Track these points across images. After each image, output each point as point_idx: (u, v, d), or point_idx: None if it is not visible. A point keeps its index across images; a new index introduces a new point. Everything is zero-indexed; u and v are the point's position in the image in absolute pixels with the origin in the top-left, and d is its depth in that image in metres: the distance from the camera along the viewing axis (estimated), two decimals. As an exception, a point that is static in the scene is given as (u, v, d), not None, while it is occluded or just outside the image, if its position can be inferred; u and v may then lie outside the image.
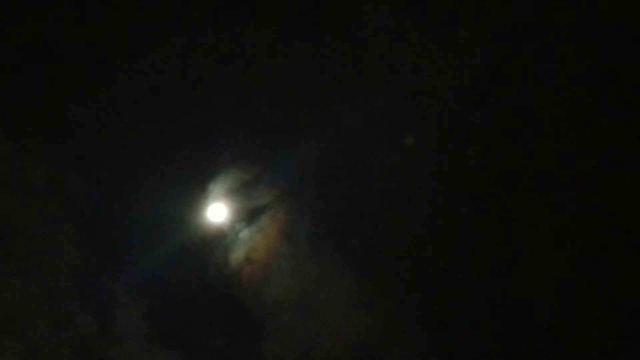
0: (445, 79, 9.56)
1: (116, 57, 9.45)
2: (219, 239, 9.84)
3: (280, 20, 9.56)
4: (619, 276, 9.36)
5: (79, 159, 9.57)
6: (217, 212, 9.83)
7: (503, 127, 9.53)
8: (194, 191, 9.70)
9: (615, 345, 9.33)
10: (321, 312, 9.73)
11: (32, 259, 9.27)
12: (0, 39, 9.20)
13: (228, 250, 9.82)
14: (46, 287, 9.22)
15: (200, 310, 9.69)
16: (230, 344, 9.64)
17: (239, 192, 9.78)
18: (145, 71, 9.52)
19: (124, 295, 9.47)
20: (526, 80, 9.51)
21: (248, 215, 9.86)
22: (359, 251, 9.82)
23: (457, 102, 9.56)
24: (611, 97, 9.42)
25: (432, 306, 9.63)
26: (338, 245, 9.79)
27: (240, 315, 9.74)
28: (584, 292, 9.33)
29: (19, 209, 9.30)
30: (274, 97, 9.72)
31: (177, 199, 9.66)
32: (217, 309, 9.76)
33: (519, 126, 9.56)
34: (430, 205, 9.75)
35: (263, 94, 9.70)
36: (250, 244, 9.83)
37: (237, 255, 9.82)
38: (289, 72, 9.63)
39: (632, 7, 9.25)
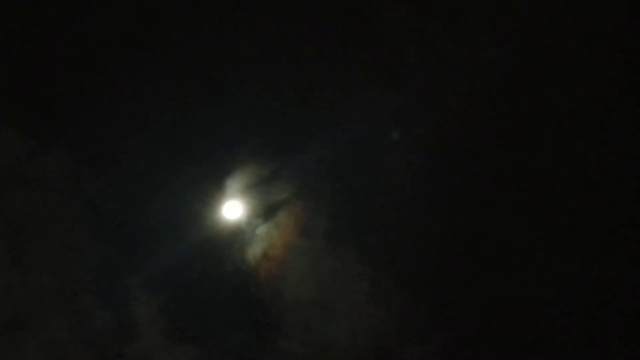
0: (460, 77, 9.59)
1: (132, 54, 9.55)
2: (235, 235, 9.84)
3: (300, 16, 9.64)
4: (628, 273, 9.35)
5: (96, 156, 9.67)
6: (234, 208, 9.84)
7: (519, 125, 9.54)
8: (211, 187, 9.73)
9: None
10: (338, 309, 9.67)
11: (49, 254, 9.36)
12: (18, 40, 9.41)
13: (245, 246, 9.81)
14: (63, 282, 9.30)
15: (216, 306, 9.69)
16: (246, 340, 9.62)
17: (257, 188, 9.79)
18: (161, 67, 9.62)
19: (140, 291, 9.48)
20: (540, 78, 9.52)
21: (265, 212, 9.87)
22: (376, 248, 9.77)
23: (472, 99, 9.55)
24: (626, 97, 9.39)
25: (450, 303, 9.57)
26: (355, 242, 9.74)
27: (257, 312, 9.72)
28: (604, 292, 9.27)
29: (37, 205, 9.42)
30: (291, 93, 9.77)
31: (194, 195, 9.69)
32: (233, 305, 9.74)
33: (533, 124, 9.56)
34: (448, 202, 9.73)
35: (281, 90, 9.76)
36: (267, 240, 9.82)
37: (253, 251, 9.81)
38: (308, 69, 9.67)
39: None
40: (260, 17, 9.62)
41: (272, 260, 9.79)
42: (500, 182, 9.51)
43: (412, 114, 9.68)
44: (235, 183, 9.74)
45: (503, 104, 9.50)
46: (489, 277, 9.50)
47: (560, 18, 9.33)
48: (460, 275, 9.59)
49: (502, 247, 9.54)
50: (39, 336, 9.04)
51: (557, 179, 9.51)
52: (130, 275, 9.54)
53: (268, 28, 9.61)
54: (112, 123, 9.63)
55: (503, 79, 9.45)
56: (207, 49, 9.57)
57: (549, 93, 9.50)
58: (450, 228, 9.67)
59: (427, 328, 9.53)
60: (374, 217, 9.82)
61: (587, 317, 9.26)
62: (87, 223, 9.54)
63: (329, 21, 9.65)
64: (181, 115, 9.73)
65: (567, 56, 9.37)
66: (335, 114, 9.67)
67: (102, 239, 9.53)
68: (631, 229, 9.34)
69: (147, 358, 9.31)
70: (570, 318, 9.32)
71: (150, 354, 9.33)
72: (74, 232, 9.48)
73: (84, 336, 9.18)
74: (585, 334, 9.21)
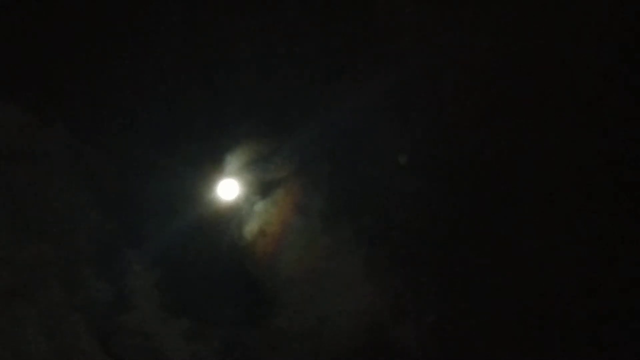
0: (457, 61, 9.56)
1: (132, 32, 9.56)
2: (233, 212, 9.89)
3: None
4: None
5: (95, 132, 9.71)
6: (232, 185, 9.91)
7: (514, 112, 9.55)
8: (210, 164, 9.80)
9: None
10: (332, 287, 9.73)
11: (49, 226, 9.41)
12: (18, 14, 9.37)
13: (242, 222, 9.87)
14: (62, 254, 9.35)
15: (212, 281, 9.73)
16: (241, 315, 9.69)
17: (255, 165, 9.83)
18: (160, 45, 9.63)
19: (137, 264, 9.54)
20: (537, 68, 9.49)
21: (263, 189, 9.93)
22: (372, 228, 9.84)
23: (469, 83, 9.56)
24: (621, 90, 9.37)
25: (443, 283, 9.62)
26: (351, 221, 9.80)
27: (252, 288, 9.80)
28: (591, 274, 9.31)
29: (38, 178, 9.47)
30: (290, 72, 9.76)
31: (194, 171, 9.75)
32: (229, 281, 9.79)
33: (529, 113, 9.56)
34: (445, 183, 9.74)
35: (280, 69, 9.75)
36: (264, 218, 9.86)
37: (250, 228, 9.86)
38: (308, 48, 9.66)
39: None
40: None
41: (269, 237, 9.84)
42: (496, 165, 9.52)
43: (410, 97, 9.69)
44: (234, 160, 9.79)
45: (498, 89, 9.51)
46: (483, 258, 9.53)
47: (558, 7, 9.34)
48: (454, 255, 9.63)
49: (497, 229, 9.57)
50: (37, 306, 9.09)
51: (551, 167, 9.56)
52: (128, 249, 9.60)
53: (267, 8, 9.62)
54: (111, 99, 9.67)
55: (499, 67, 9.44)
56: (205, 27, 9.59)
57: (546, 83, 9.51)
58: (446, 208, 9.70)
59: (420, 307, 9.61)
60: (370, 197, 9.86)
61: (581, 296, 9.28)
62: (86, 197, 9.58)
63: (328, 3, 9.66)
64: (180, 93, 9.75)
65: (564, 47, 9.37)
66: (334, 95, 9.68)
67: (101, 213, 9.59)
68: (630, 223, 9.39)
69: (143, 330, 9.37)
70: (563, 299, 9.35)
71: (146, 326, 9.39)
72: (73, 206, 9.53)
73: (81, 307, 9.24)
74: (577, 313, 9.25)
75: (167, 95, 9.75)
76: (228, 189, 9.88)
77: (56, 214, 9.47)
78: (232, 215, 9.88)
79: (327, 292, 9.73)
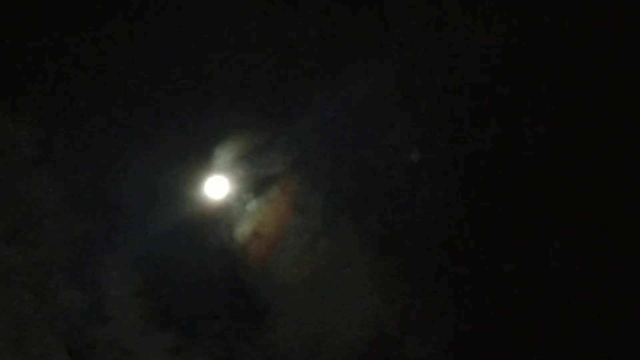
0: (461, 49, 9.46)
1: (114, 19, 9.27)
2: (222, 212, 9.70)
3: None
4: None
5: (67, 124, 9.35)
6: (222, 181, 9.70)
7: (529, 97, 9.47)
8: (197, 158, 9.55)
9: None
10: (335, 296, 9.52)
11: (15, 227, 8.98)
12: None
13: (233, 223, 9.68)
14: (30, 259, 8.95)
15: (199, 290, 9.47)
16: (232, 328, 9.42)
17: (248, 159, 9.63)
18: (141, 27, 9.32)
19: (115, 270, 9.23)
20: (545, 56, 9.41)
21: (256, 186, 9.74)
22: (377, 229, 9.63)
23: (473, 72, 9.43)
24: (627, 88, 9.22)
25: (455, 294, 9.42)
26: (355, 222, 9.59)
27: (244, 297, 9.56)
28: (609, 291, 9.09)
29: (3, 175, 9.04)
30: (287, 56, 9.54)
31: (178, 166, 9.49)
32: (218, 289, 9.54)
33: (541, 98, 9.50)
34: (457, 183, 9.59)
35: (275, 53, 9.53)
36: (257, 218, 9.68)
37: (242, 229, 9.65)
38: (308, 33, 9.51)
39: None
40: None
41: (263, 240, 9.63)
42: (513, 162, 9.39)
43: (419, 86, 9.55)
44: (224, 153, 9.57)
45: (515, 75, 9.36)
46: (501, 265, 9.31)
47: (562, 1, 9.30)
48: (469, 261, 9.45)
49: (518, 232, 9.41)
50: (3, 317, 8.65)
51: (555, 163, 9.44)
52: (104, 254, 9.26)
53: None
54: (86, 87, 9.33)
55: (507, 61, 9.32)
56: (191, 8, 9.29)
57: (553, 74, 9.42)
58: (460, 209, 9.54)
59: (432, 319, 9.38)
60: (376, 195, 9.69)
61: (595, 318, 9.11)
62: (57, 196, 9.21)
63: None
64: (163, 79, 9.45)
65: (570, 40, 9.27)
66: (335, 81, 9.50)
67: (74, 213, 9.20)
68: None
69: (120, 344, 9.09)
70: (590, 316, 9.16)
71: (124, 340, 9.11)
72: (42, 205, 9.14)
73: (52, 318, 8.88)
74: (591, 335, 9.09)
75: (148, 82, 9.40)
76: (217, 187, 9.68)
77: (23, 213, 9.05)
78: (221, 216, 9.66)
79: (328, 303, 9.52)
